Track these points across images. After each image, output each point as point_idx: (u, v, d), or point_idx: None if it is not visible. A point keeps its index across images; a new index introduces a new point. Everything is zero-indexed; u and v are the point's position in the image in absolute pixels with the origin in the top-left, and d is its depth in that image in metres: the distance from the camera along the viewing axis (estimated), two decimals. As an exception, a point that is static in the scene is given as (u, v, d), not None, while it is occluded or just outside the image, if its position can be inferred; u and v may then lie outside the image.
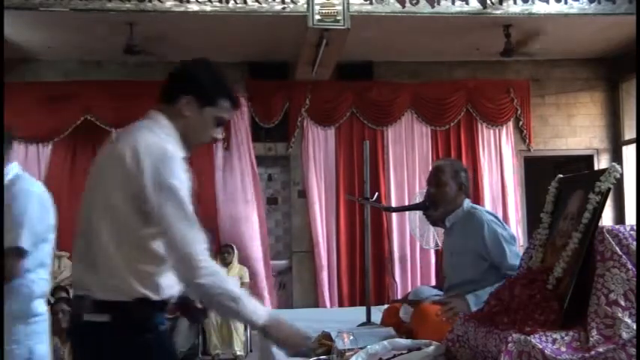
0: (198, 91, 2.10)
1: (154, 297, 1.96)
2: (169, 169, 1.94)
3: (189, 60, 2.20)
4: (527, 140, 8.10)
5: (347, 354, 2.18)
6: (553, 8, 6.38)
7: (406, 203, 7.48)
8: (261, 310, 2.02)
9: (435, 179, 3.02)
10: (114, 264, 1.94)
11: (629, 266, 1.73)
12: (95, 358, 1.98)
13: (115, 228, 1.96)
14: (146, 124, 2.09)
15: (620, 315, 1.68)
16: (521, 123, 8.07)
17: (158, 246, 1.97)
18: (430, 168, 8.50)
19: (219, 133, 2.18)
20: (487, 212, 2.97)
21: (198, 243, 1.93)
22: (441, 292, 2.99)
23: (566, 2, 6.38)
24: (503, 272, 2.74)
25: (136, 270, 1.95)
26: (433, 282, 7.31)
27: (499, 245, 2.79)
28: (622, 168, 2.75)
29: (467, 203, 3.01)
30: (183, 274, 1.95)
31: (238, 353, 6.45)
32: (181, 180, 1.95)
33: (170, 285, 2.02)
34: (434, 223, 3.28)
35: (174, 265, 1.95)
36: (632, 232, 1.79)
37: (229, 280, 2.01)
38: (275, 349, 2.10)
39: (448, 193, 2.99)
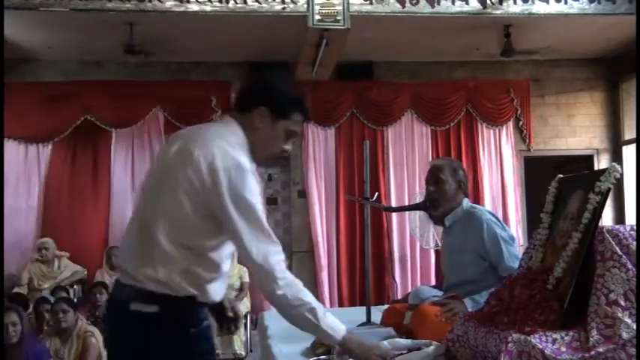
0: (273, 104, 2.09)
1: (201, 299, 2.02)
2: (243, 182, 1.95)
3: (267, 71, 2.22)
4: (527, 140, 8.10)
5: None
6: (553, 8, 6.38)
7: (406, 203, 7.47)
8: (338, 324, 2.05)
9: (434, 178, 3.02)
10: (170, 263, 1.97)
11: (629, 266, 1.73)
12: (141, 347, 2.01)
13: (176, 230, 1.98)
14: (221, 131, 2.08)
15: (620, 315, 1.68)
16: (521, 123, 8.08)
17: (217, 255, 2.02)
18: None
19: (289, 146, 2.18)
20: (487, 212, 2.97)
21: (274, 254, 1.98)
22: (441, 292, 2.99)
23: (566, 2, 6.38)
24: (499, 273, 2.75)
25: (190, 271, 1.99)
26: (433, 282, 7.31)
27: (497, 245, 2.80)
28: (622, 168, 2.75)
29: (466, 202, 3.01)
30: (263, 286, 2.00)
31: (239, 352, 6.46)
32: (253, 192, 1.97)
33: (217, 291, 2.08)
34: (437, 222, 3.28)
35: (254, 276, 2.01)
36: (632, 232, 1.79)
37: (306, 291, 2.05)
38: (275, 350, 2.12)
39: (447, 191, 2.99)
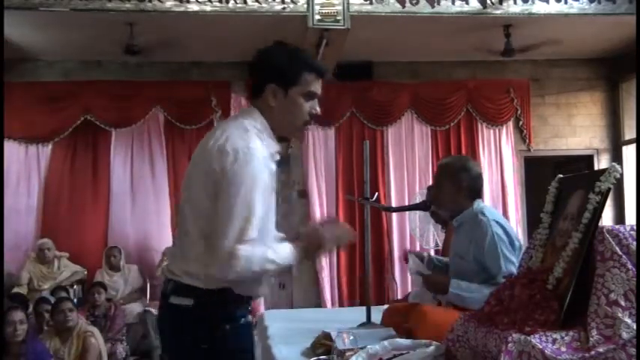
0: (277, 76, 2.08)
1: (238, 291, 2.01)
2: (247, 165, 1.94)
3: (262, 49, 2.17)
4: (527, 140, 8.10)
5: (347, 354, 2.18)
6: (553, 8, 6.38)
7: (406, 203, 7.47)
8: (287, 252, 2.04)
9: (435, 179, 3.02)
10: (200, 255, 1.98)
11: (629, 266, 1.73)
12: (176, 339, 2.05)
13: (201, 220, 2.00)
14: (240, 120, 2.10)
15: (620, 315, 1.68)
16: (521, 123, 8.07)
17: None
18: (430, 168, 8.50)
19: (314, 107, 2.14)
20: (495, 221, 2.84)
21: (237, 234, 1.91)
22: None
23: (566, 2, 6.38)
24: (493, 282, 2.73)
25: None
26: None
27: (497, 262, 2.74)
28: (622, 168, 2.75)
29: (477, 205, 2.92)
30: (217, 270, 1.95)
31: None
32: (255, 178, 1.94)
33: (251, 285, 2.06)
34: (438, 221, 3.28)
35: (212, 256, 1.96)
36: (632, 232, 1.79)
37: (256, 253, 1.97)
38: (275, 350, 2.12)
39: (443, 195, 2.97)
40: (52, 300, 5.37)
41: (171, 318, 2.07)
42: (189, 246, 2.03)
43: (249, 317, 2.10)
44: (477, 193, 2.98)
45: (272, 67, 2.10)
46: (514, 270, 2.69)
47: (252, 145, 1.97)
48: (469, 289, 2.74)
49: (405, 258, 2.91)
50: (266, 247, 1.99)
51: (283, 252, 2.03)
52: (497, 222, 2.85)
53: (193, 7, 5.99)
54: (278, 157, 2.13)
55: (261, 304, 7.38)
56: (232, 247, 1.90)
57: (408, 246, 7.78)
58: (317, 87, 2.14)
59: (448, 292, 2.79)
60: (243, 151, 1.95)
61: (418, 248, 7.66)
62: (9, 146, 7.25)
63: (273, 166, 2.07)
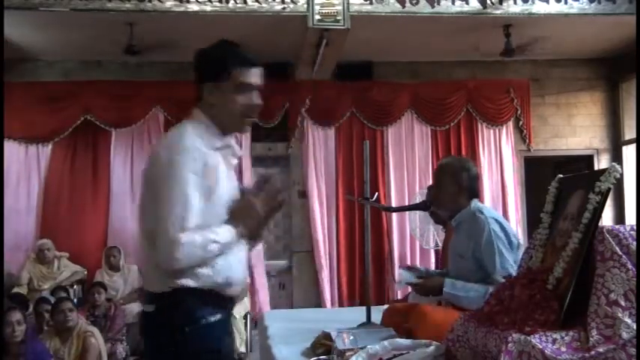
0: (209, 74, 2.15)
1: (193, 284, 2.01)
2: (176, 164, 1.98)
3: (197, 51, 2.25)
4: (527, 140, 8.10)
5: (347, 354, 2.18)
6: (553, 8, 6.38)
7: (406, 203, 7.47)
8: (227, 230, 2.05)
9: (435, 179, 3.03)
10: (149, 257, 2.05)
11: (629, 266, 1.73)
12: (148, 346, 2.14)
13: (147, 225, 2.06)
14: (182, 124, 2.16)
15: (620, 315, 1.68)
16: (521, 123, 8.07)
17: None
18: (430, 168, 8.49)
19: (252, 99, 2.17)
20: (493, 218, 2.86)
21: (177, 225, 1.94)
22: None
23: (566, 2, 6.38)
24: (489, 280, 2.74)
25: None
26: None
27: (492, 258, 2.75)
28: (622, 168, 2.75)
29: (474, 204, 2.95)
30: (160, 260, 2.00)
31: (242, 351, 6.46)
32: (185, 171, 1.98)
33: (221, 271, 2.04)
34: (437, 221, 3.28)
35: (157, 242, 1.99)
36: (632, 232, 1.79)
37: (197, 237, 1.98)
38: (275, 350, 2.11)
39: (444, 194, 2.98)
40: (52, 300, 5.37)
41: (143, 325, 2.19)
42: (144, 254, 2.11)
43: (218, 316, 2.07)
44: (475, 193, 3.01)
45: (204, 67, 2.18)
46: (510, 269, 2.70)
47: (183, 143, 2.02)
48: (464, 289, 2.75)
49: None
50: (206, 230, 2.00)
51: (222, 231, 2.04)
52: (495, 220, 2.87)
53: (193, 7, 5.99)
54: (232, 151, 2.18)
55: (267, 304, 7.40)
56: (173, 236, 1.93)
57: (408, 246, 7.78)
58: (250, 78, 2.17)
59: (442, 292, 2.79)
60: (174, 150, 2.01)
61: (418, 248, 7.68)
62: (9, 146, 7.25)
63: (217, 158, 2.09)
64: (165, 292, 2.00)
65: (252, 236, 2.18)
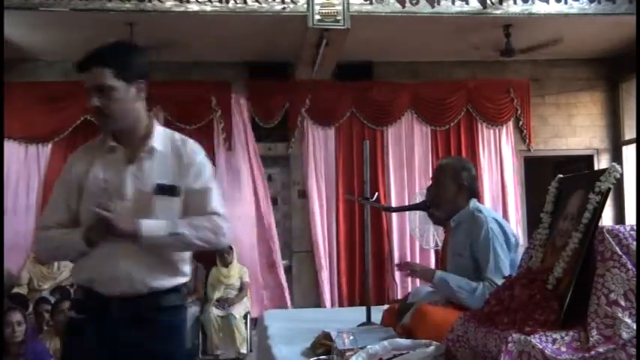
0: None
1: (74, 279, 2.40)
2: None
3: None
4: (527, 140, 8.10)
5: (347, 354, 2.18)
6: (553, 8, 6.38)
7: (406, 203, 7.47)
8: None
9: (434, 179, 3.02)
10: None
11: (629, 266, 1.73)
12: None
13: None
14: None
15: (620, 315, 1.68)
16: (521, 123, 8.07)
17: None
18: (430, 168, 8.49)
19: (90, 102, 2.37)
20: (492, 218, 2.86)
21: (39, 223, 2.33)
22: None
23: (566, 2, 6.38)
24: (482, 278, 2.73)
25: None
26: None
27: (486, 254, 2.75)
28: (622, 168, 2.75)
29: (473, 204, 2.95)
30: None
31: (242, 351, 6.46)
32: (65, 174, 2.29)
33: (76, 270, 2.26)
34: (437, 222, 3.27)
35: None
36: (632, 232, 1.79)
37: (49, 234, 2.23)
38: (275, 350, 2.10)
39: (445, 194, 2.97)
40: (52, 300, 5.37)
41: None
42: None
43: (75, 319, 2.22)
44: (474, 193, 3.02)
45: None
46: (503, 268, 2.70)
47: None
48: (455, 280, 2.74)
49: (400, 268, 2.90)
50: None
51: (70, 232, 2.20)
52: (494, 219, 2.87)
53: (193, 7, 5.99)
54: (112, 150, 2.34)
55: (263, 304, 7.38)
56: (36, 235, 2.34)
57: (408, 246, 7.78)
58: (86, 81, 2.40)
59: (435, 276, 2.80)
60: None
61: (418, 248, 7.68)
62: (9, 146, 7.25)
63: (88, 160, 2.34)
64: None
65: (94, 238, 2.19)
